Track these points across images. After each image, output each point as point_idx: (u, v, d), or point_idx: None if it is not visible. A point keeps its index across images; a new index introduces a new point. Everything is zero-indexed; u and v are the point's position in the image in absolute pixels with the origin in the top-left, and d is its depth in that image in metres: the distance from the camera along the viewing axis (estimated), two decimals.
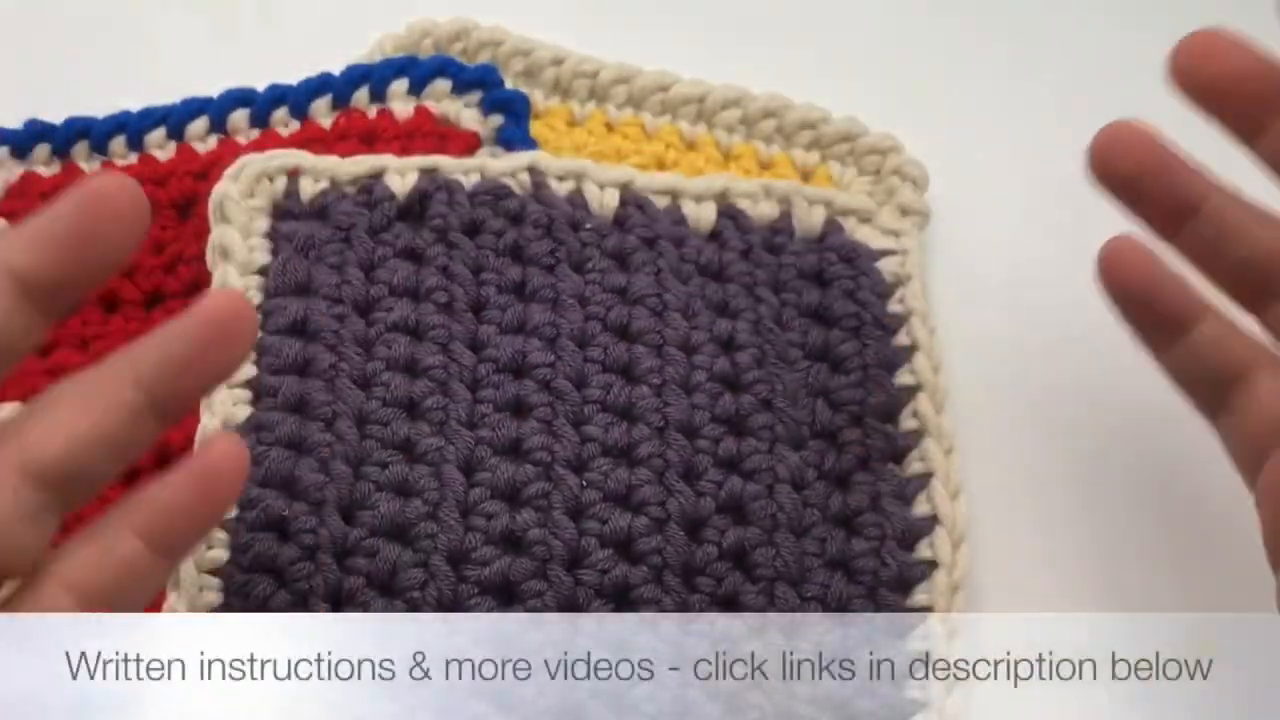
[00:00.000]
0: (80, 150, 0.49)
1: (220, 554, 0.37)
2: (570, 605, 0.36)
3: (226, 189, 0.42)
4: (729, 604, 0.37)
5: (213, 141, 0.48)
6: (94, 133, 0.49)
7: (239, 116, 0.48)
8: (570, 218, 0.42)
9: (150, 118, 0.49)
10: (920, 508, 0.39)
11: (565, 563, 0.36)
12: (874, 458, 0.40)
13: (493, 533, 0.37)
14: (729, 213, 0.43)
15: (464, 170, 0.42)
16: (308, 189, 0.42)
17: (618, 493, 0.37)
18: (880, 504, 0.39)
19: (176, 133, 0.49)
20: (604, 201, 0.43)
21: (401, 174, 0.42)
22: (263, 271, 0.41)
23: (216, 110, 0.48)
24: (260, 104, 0.49)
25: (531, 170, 0.43)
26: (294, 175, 0.42)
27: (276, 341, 0.39)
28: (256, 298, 0.40)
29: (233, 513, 0.37)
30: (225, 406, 0.38)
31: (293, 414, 0.38)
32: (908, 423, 0.41)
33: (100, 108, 0.49)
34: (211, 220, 0.42)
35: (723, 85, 0.49)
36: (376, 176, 0.42)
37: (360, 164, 0.42)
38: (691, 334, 0.40)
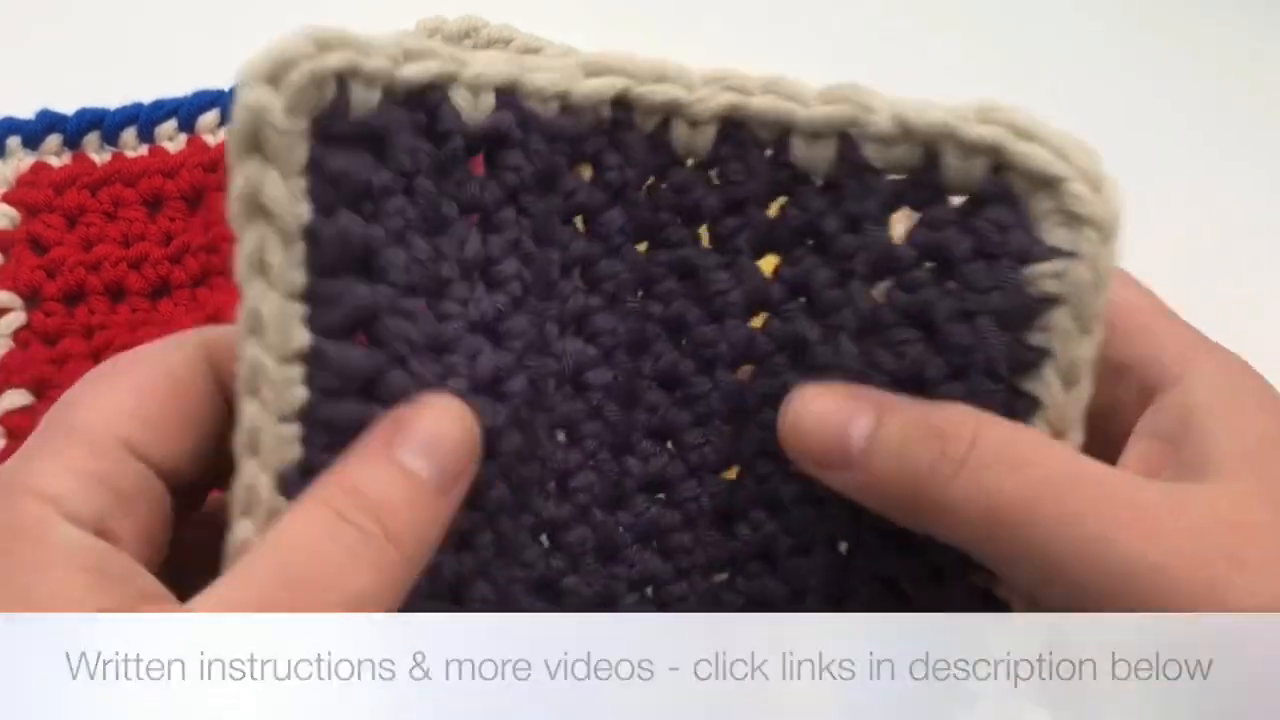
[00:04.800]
0: (91, 141, 0.49)
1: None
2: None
3: (269, 106, 0.27)
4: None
5: (223, 134, 0.49)
6: (105, 124, 0.49)
7: None
8: (650, 168, 0.32)
9: (161, 110, 0.49)
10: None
11: (593, 607, 0.34)
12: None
13: (530, 582, 0.34)
14: (851, 157, 0.31)
15: (544, 96, 0.31)
16: (360, 100, 0.29)
17: (648, 535, 0.34)
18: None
19: (187, 125, 0.49)
20: (695, 143, 0.32)
21: (474, 92, 0.30)
22: (309, 234, 0.28)
23: (228, 103, 0.49)
24: None
25: (615, 103, 0.32)
26: (345, 82, 0.28)
27: (337, 353, 0.28)
28: (300, 278, 0.28)
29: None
30: (275, 449, 0.28)
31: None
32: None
33: (112, 99, 0.49)
34: (236, 152, 0.27)
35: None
36: (438, 89, 0.30)
37: (423, 64, 0.29)
38: (754, 341, 0.33)
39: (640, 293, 0.33)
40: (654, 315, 0.33)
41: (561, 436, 0.34)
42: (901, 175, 0.30)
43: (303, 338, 0.28)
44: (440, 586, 0.32)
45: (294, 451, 0.28)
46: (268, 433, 0.28)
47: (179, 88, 0.50)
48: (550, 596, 0.34)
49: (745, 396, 0.33)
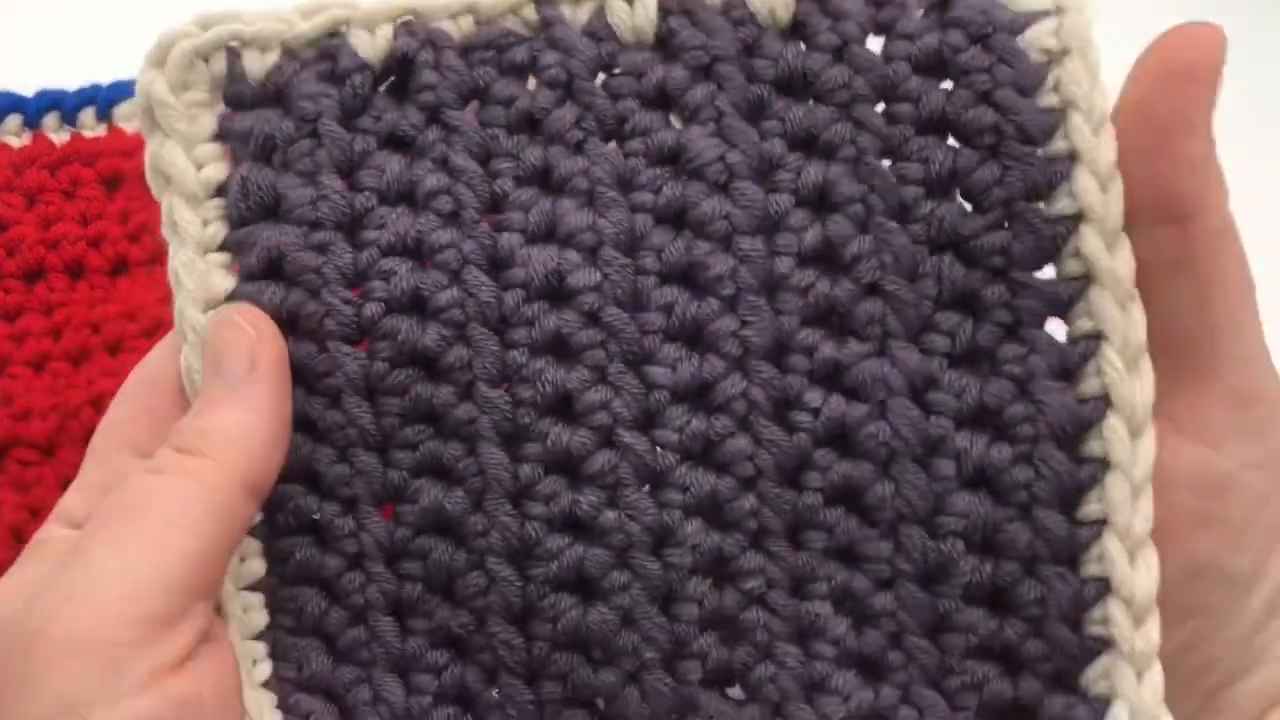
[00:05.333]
0: (50, 121, 0.50)
1: (256, 565, 0.31)
2: (663, 593, 0.30)
3: (153, 84, 0.30)
4: (845, 556, 0.30)
5: None
6: (64, 105, 0.50)
7: None
8: (594, 61, 0.31)
9: (119, 91, 0.50)
10: (1087, 385, 0.29)
11: (648, 547, 0.30)
12: (1025, 321, 0.29)
13: (554, 520, 0.30)
14: None
15: (449, 13, 0.31)
16: (255, 65, 0.31)
17: (696, 450, 0.30)
18: (1031, 388, 0.29)
19: None
20: (635, 21, 0.31)
21: (370, 29, 0.31)
22: (222, 191, 0.31)
23: None
24: None
25: (537, 1, 0.31)
26: (234, 51, 0.31)
27: (252, 292, 0.31)
28: (220, 231, 0.31)
29: (258, 516, 0.31)
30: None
31: (293, 386, 0.31)
32: (1069, 265, 0.29)
33: (71, 81, 0.50)
34: (143, 129, 0.31)
35: None
36: (337, 36, 0.31)
37: (315, 19, 0.31)
38: (770, 201, 0.30)
39: (621, 191, 0.31)
40: (645, 207, 0.30)
41: (543, 363, 0.30)
42: None
43: (224, 284, 0.31)
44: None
45: None
46: (198, 373, 0.31)
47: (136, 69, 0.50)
48: (588, 537, 0.30)
49: (776, 263, 0.30)
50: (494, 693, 0.30)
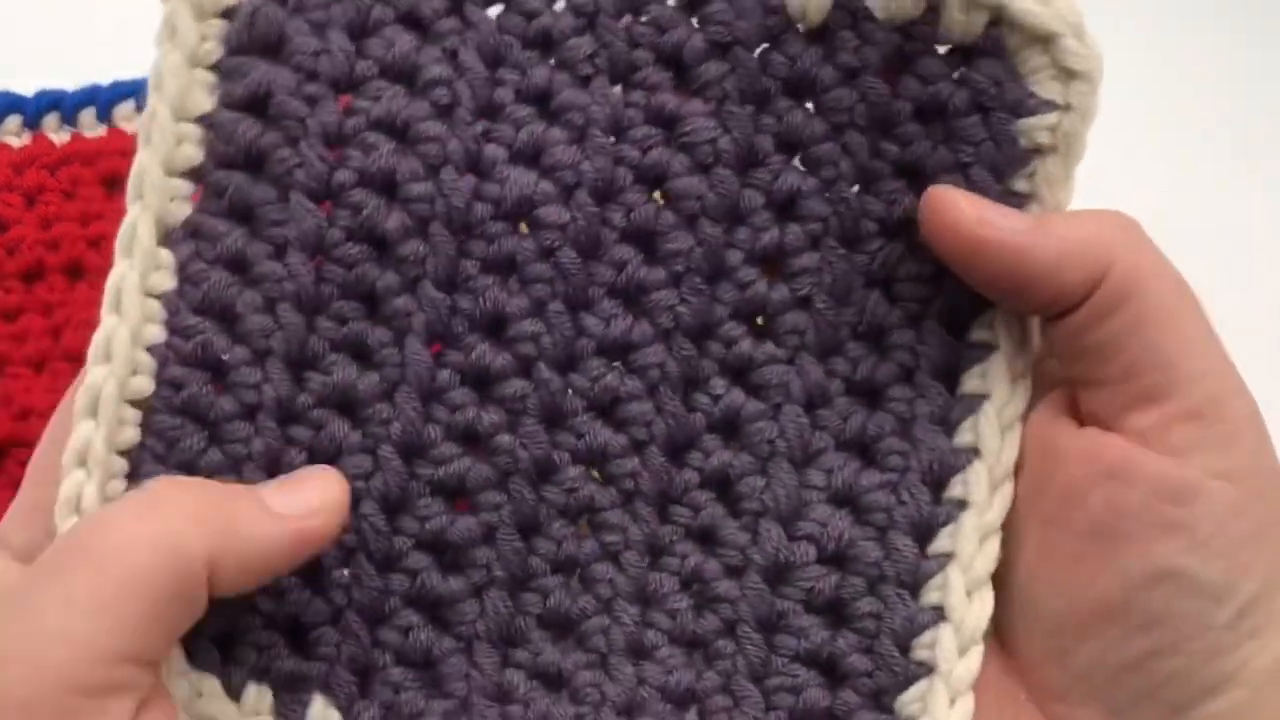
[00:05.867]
0: (50, 122, 0.50)
1: (145, 383, 0.31)
2: (528, 523, 0.31)
3: None
4: (704, 538, 0.32)
5: None
6: (64, 105, 0.50)
7: None
8: (624, 1, 0.31)
9: (119, 91, 0.50)
10: (962, 437, 0.31)
11: (529, 478, 0.31)
12: (922, 368, 0.32)
13: (455, 427, 0.31)
14: (850, 4, 0.31)
15: None
16: None
17: (602, 403, 0.31)
18: (912, 429, 0.32)
19: (144, 106, 0.50)
20: None
21: None
22: (229, 15, 0.31)
23: None
24: None
25: None
26: None
27: (229, 120, 0.31)
28: (216, 52, 0.31)
29: (160, 336, 0.31)
30: (160, 200, 0.31)
31: (240, 224, 0.31)
32: (979, 333, 0.32)
33: (70, 80, 0.50)
34: None
35: None
36: None
37: None
38: (742, 195, 0.31)
39: (613, 138, 0.31)
40: (628, 160, 0.31)
41: (491, 280, 0.31)
42: (898, 25, 0.31)
43: (204, 105, 0.31)
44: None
45: (182, 210, 0.31)
46: (152, 179, 0.30)
47: (136, 70, 0.50)
48: (478, 453, 0.31)
49: (728, 254, 0.32)
50: (345, 573, 0.31)
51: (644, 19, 0.31)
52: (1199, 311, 0.29)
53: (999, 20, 0.30)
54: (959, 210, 0.29)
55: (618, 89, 0.31)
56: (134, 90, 0.50)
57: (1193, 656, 0.28)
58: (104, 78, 0.50)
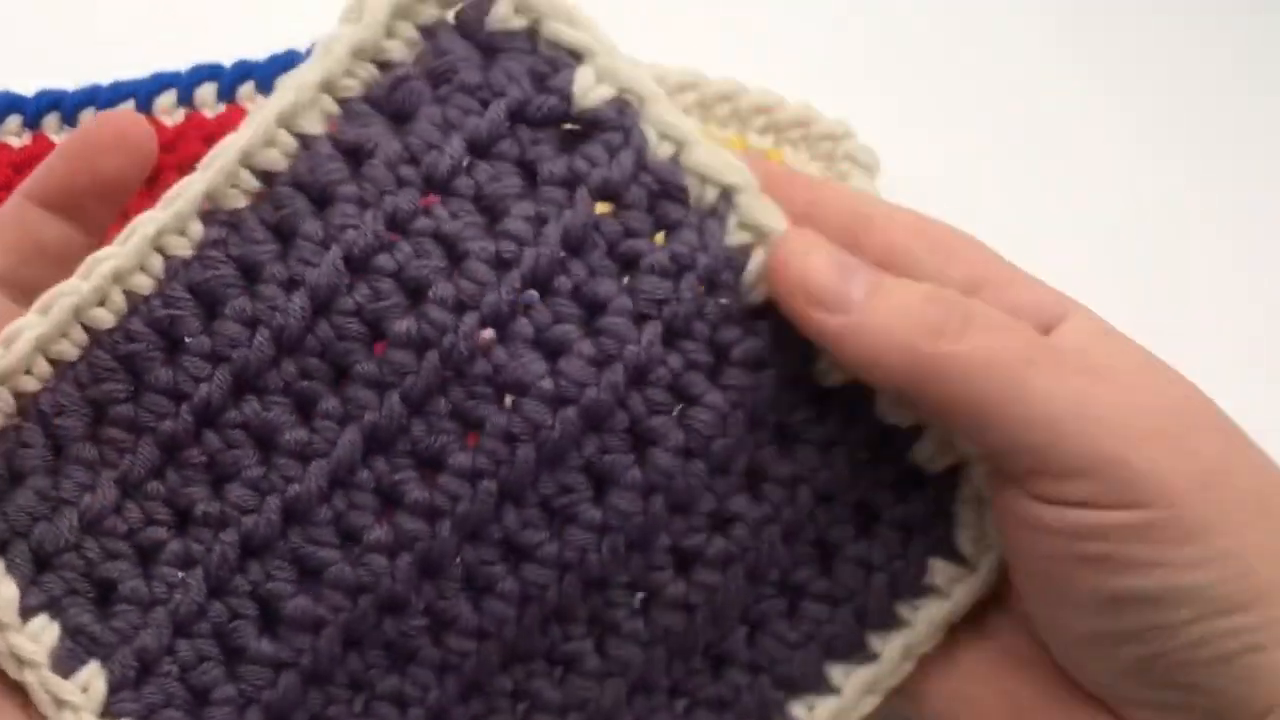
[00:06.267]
0: (50, 122, 0.50)
1: (106, 316, 0.31)
2: (355, 639, 0.32)
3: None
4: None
5: (180, 115, 0.50)
6: (64, 105, 0.50)
7: (206, 91, 0.50)
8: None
9: (119, 92, 0.50)
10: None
11: (380, 604, 0.32)
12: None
13: (343, 523, 0.32)
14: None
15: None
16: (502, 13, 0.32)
17: (479, 584, 0.32)
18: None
19: (145, 107, 0.50)
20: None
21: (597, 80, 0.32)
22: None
23: (185, 84, 0.50)
24: (227, 79, 0.50)
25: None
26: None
27: (326, 154, 0.31)
28: (329, 110, 0.32)
29: (145, 288, 0.31)
30: (225, 180, 0.31)
31: (276, 243, 0.31)
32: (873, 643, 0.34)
33: (70, 80, 0.50)
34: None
35: (678, 69, 0.50)
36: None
37: None
38: (700, 496, 0.33)
39: (633, 384, 0.32)
40: (631, 406, 0.31)
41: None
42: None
43: (313, 127, 0.32)
44: None
45: (237, 200, 0.32)
46: (226, 162, 0.32)
47: (136, 70, 0.50)
48: (351, 556, 0.32)
49: (655, 538, 0.32)
50: (179, 574, 0.32)
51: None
52: (1020, 371, 0.29)
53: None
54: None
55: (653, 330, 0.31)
56: (134, 91, 0.50)
57: (1189, 648, 0.29)
58: (104, 78, 0.50)
